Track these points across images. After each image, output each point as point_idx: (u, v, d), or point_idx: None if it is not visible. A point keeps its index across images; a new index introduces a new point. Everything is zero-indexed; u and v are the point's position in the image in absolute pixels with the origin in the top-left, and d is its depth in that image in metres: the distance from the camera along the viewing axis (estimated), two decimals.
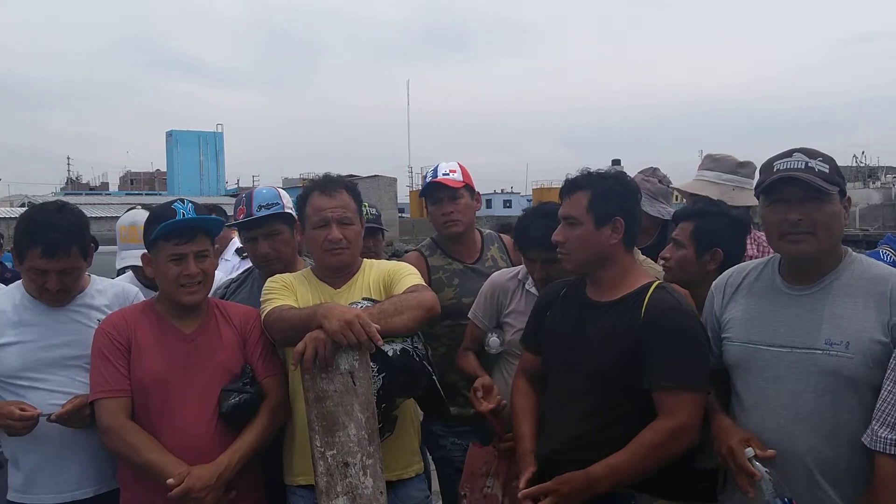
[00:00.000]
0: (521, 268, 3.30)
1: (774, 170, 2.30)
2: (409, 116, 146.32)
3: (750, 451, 2.21)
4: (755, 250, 3.27)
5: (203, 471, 2.52)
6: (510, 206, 57.18)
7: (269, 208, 3.12)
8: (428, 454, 3.57)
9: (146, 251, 2.77)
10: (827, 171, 2.25)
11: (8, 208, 37.54)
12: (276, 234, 3.14)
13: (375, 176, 42.65)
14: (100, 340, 2.70)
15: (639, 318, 2.44)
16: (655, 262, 3.20)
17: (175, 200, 2.77)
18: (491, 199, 58.72)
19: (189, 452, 2.57)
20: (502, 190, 67.85)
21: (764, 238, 3.15)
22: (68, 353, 2.78)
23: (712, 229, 2.90)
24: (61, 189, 61.58)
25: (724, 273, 2.62)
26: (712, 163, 3.61)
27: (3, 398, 2.75)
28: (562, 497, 2.40)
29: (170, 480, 2.46)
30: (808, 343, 2.25)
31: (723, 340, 2.48)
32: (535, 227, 3.03)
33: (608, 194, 2.54)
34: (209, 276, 2.74)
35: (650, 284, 2.53)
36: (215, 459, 2.57)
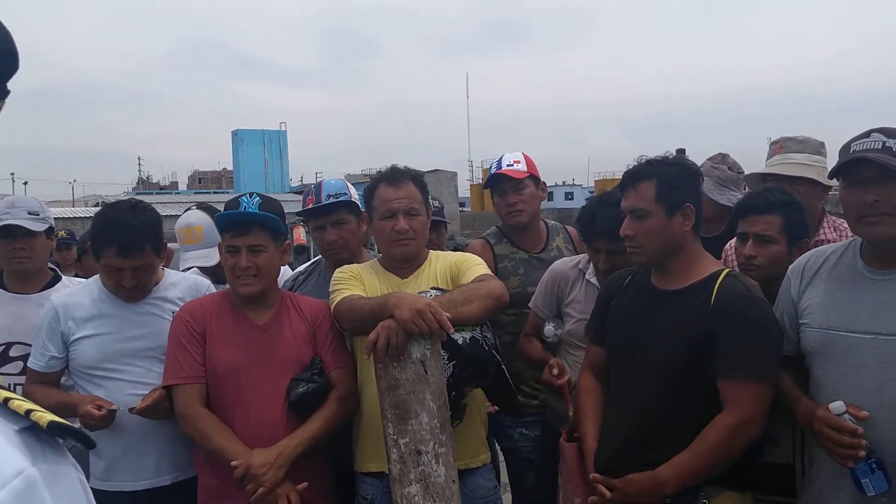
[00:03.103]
0: (583, 256, 3.26)
1: (851, 151, 2.23)
2: (469, 110, 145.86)
3: (840, 406, 2.13)
4: (834, 234, 3.15)
5: (262, 451, 2.58)
6: (571, 199, 56.64)
7: (337, 197, 3.17)
8: (497, 445, 3.57)
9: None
10: None
11: (83, 208, 38.70)
12: (343, 222, 3.18)
13: (436, 170, 42.64)
14: (176, 327, 2.77)
15: (709, 307, 2.36)
16: (719, 254, 3.07)
17: (244, 194, 2.80)
18: (552, 192, 58.13)
19: (261, 440, 2.61)
20: (563, 182, 67.14)
21: (842, 223, 3.04)
22: (144, 345, 2.86)
23: (800, 220, 2.73)
24: (132, 188, 63.23)
25: (802, 257, 2.53)
26: (798, 145, 3.42)
27: (84, 388, 2.85)
28: (626, 496, 2.37)
29: (233, 463, 2.54)
30: (893, 329, 2.17)
31: (801, 326, 2.40)
32: (602, 215, 2.95)
33: (676, 181, 2.46)
34: (263, 270, 2.71)
35: (720, 272, 2.45)
36: None
